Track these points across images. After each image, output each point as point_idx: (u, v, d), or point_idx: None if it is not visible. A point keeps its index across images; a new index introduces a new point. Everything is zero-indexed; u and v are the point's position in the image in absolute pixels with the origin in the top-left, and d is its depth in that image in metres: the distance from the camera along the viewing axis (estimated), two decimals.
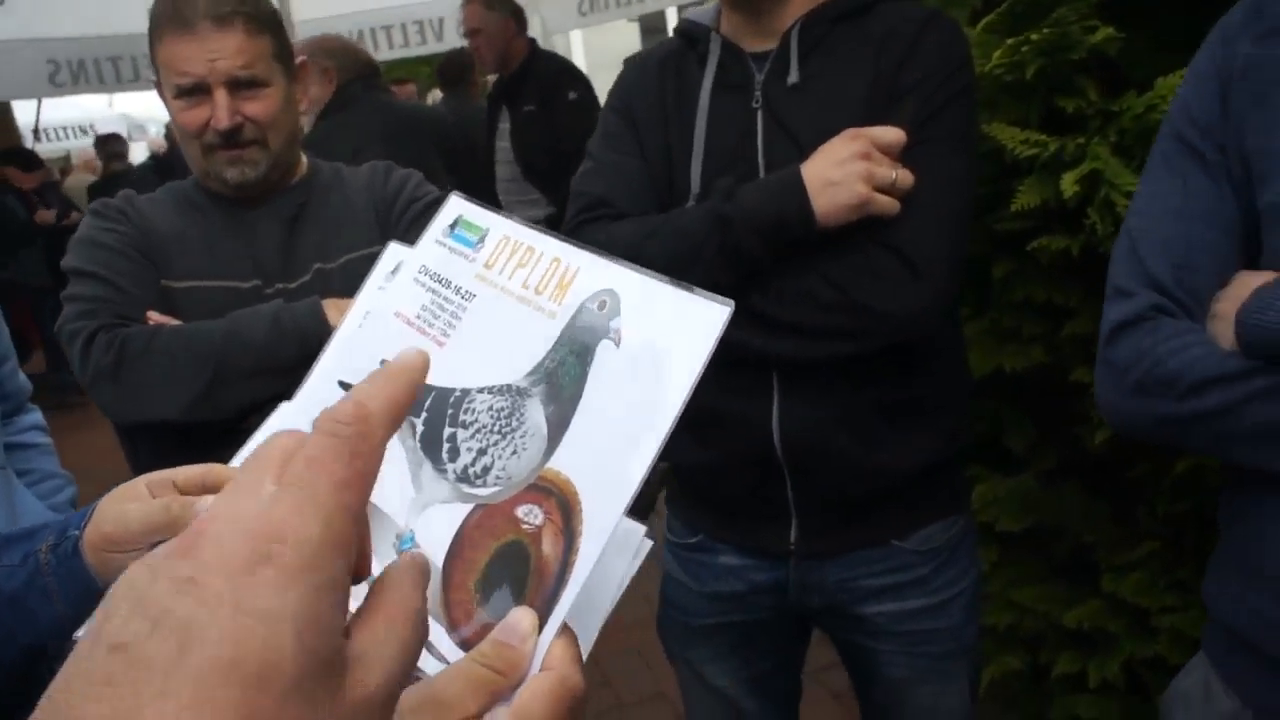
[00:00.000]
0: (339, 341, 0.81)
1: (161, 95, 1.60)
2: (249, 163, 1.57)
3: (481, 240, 0.71)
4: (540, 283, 0.65)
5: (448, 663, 0.57)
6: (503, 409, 0.63)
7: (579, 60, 9.76)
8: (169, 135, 9.14)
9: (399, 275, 0.76)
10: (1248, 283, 0.96)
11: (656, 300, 0.61)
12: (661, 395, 0.56)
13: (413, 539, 0.63)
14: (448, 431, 0.65)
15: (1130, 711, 1.95)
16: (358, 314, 0.81)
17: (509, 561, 0.58)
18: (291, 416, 0.81)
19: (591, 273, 0.63)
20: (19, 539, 0.87)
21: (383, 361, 0.71)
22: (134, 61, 5.29)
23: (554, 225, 4.14)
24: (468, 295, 0.69)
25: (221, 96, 1.52)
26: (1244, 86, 0.98)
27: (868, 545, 1.48)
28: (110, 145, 8.52)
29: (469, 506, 0.62)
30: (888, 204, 1.26)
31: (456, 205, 0.75)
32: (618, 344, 0.59)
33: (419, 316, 0.71)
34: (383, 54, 6.73)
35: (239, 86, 1.53)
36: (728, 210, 1.31)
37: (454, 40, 6.67)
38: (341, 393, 0.72)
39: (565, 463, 0.57)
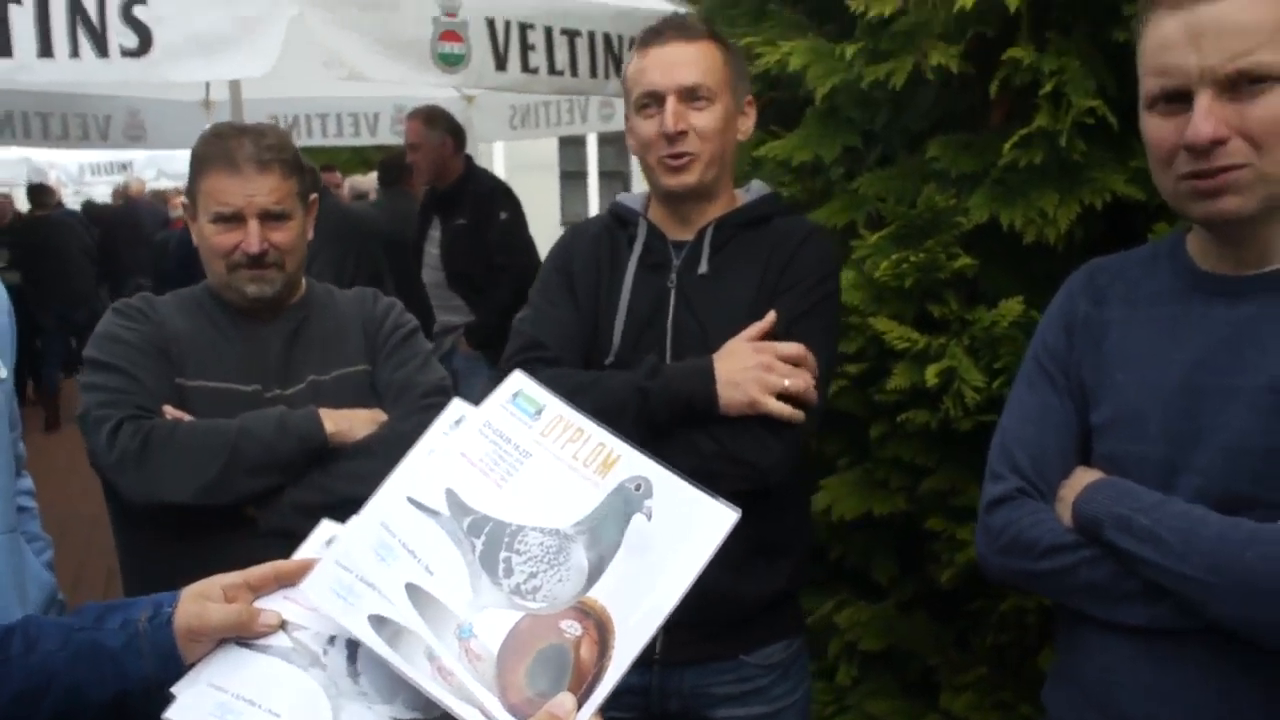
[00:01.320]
0: (406, 468, 1.01)
1: (190, 215, 1.87)
2: (268, 281, 1.82)
3: (539, 413, 1.00)
4: (587, 458, 0.95)
5: None
6: (551, 546, 0.93)
7: (499, 161, 10.18)
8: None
9: (463, 426, 1.03)
10: (1081, 478, 1.31)
11: (681, 494, 0.92)
12: (677, 566, 0.88)
13: (471, 630, 0.91)
14: (503, 555, 0.93)
15: None
16: (424, 449, 1.02)
17: (551, 657, 0.88)
18: (357, 523, 1.00)
19: (630, 460, 0.95)
20: (119, 608, 1.11)
21: (448, 490, 0.98)
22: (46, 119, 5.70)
23: (473, 333, 4.45)
24: (525, 453, 0.98)
25: (254, 225, 1.78)
26: (1083, 334, 1.36)
27: (719, 658, 1.75)
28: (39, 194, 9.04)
29: (519, 613, 0.91)
30: (777, 408, 1.58)
31: (518, 380, 1.03)
32: (649, 518, 0.91)
33: (482, 460, 0.99)
34: (316, 140, 6.99)
35: (268, 218, 1.79)
36: (648, 385, 1.62)
37: (386, 135, 7.00)
38: (411, 507, 0.97)
39: (603, 595, 0.88)
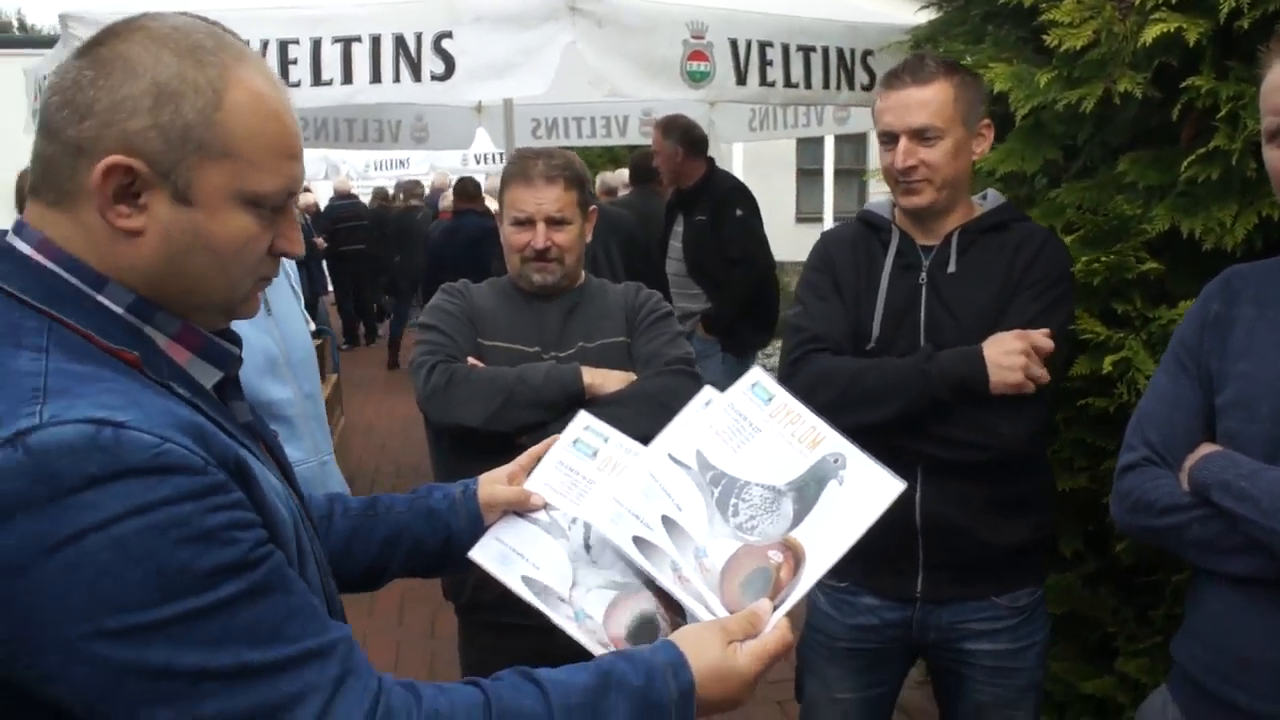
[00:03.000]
0: (668, 433, 1.36)
1: (499, 219, 2.37)
2: (550, 272, 2.27)
3: (770, 400, 1.33)
4: (801, 436, 1.29)
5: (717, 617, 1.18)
6: (768, 497, 1.25)
7: (739, 160, 10.58)
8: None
9: (711, 406, 1.36)
10: (1203, 450, 1.53)
11: (866, 468, 1.25)
12: (856, 519, 1.21)
13: (705, 551, 1.24)
14: (733, 501, 1.27)
15: None
16: (681, 420, 1.38)
17: (758, 576, 1.20)
18: (632, 471, 1.34)
19: (832, 440, 1.28)
20: (441, 487, 1.49)
21: (698, 451, 1.29)
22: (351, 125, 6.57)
23: (710, 319, 4.87)
24: (756, 429, 1.31)
25: (541, 228, 2.23)
26: (1214, 330, 1.58)
27: (973, 599, 2.04)
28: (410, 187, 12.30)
29: (739, 543, 1.23)
30: (1030, 390, 1.86)
31: (757, 374, 1.37)
32: (840, 484, 1.25)
33: (724, 431, 1.31)
34: (572, 140, 7.62)
35: (552, 222, 2.24)
36: (928, 367, 1.91)
37: (634, 136, 7.54)
38: (670, 462, 1.31)
39: (801, 536, 1.21)
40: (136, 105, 0.92)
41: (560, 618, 1.29)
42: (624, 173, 7.61)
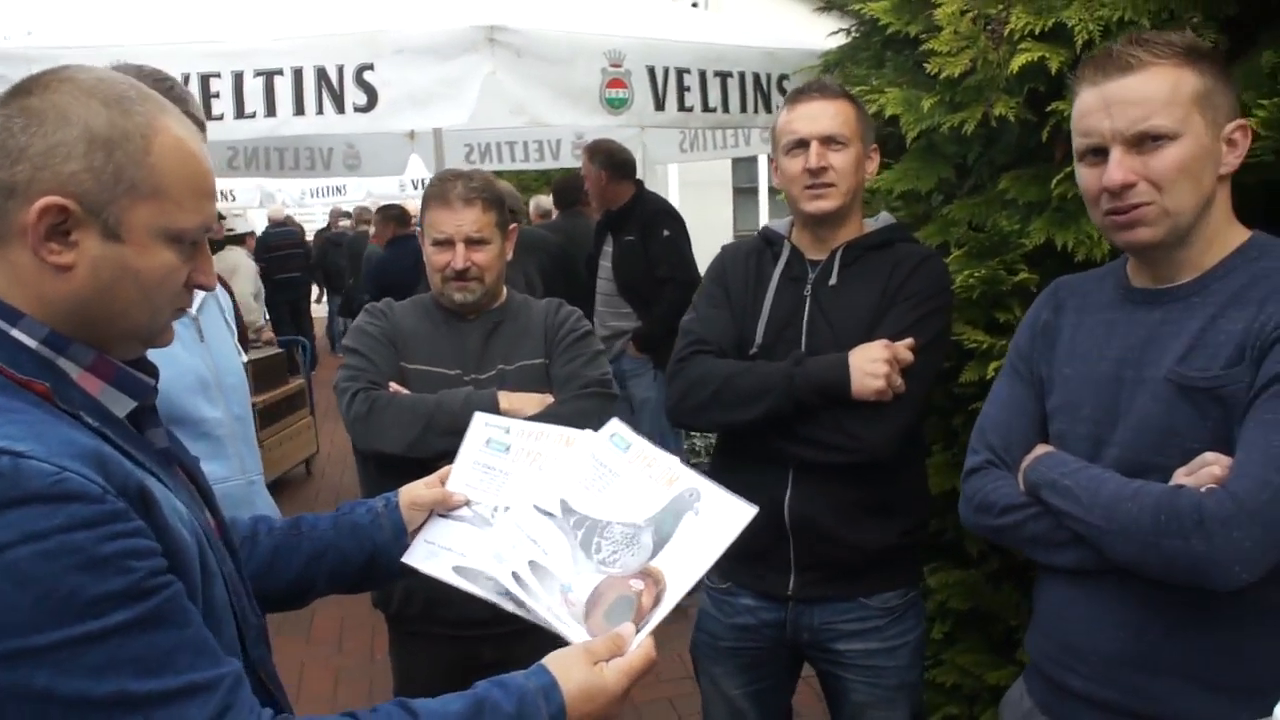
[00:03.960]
0: (531, 485, 1.48)
1: (421, 242, 2.44)
2: (470, 291, 2.35)
3: (628, 447, 1.46)
4: (658, 476, 1.40)
5: None
6: (628, 533, 1.36)
7: (674, 181, 10.73)
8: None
9: (574, 447, 1.50)
10: (1036, 452, 1.63)
11: (719, 498, 1.36)
12: (712, 543, 1.32)
13: (571, 588, 1.33)
14: (595, 540, 1.37)
15: None
16: (560, 442, 1.55)
17: (621, 604, 1.29)
18: (501, 524, 1.46)
19: (686, 478, 1.39)
20: (363, 503, 1.57)
21: (561, 500, 1.40)
22: (282, 153, 6.60)
23: (640, 337, 4.98)
24: (615, 474, 1.43)
25: (460, 248, 2.30)
26: (1043, 337, 1.70)
27: (843, 599, 2.15)
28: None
29: (602, 575, 1.33)
30: (889, 398, 1.98)
31: (615, 425, 1.49)
32: (696, 514, 1.36)
33: (585, 476, 1.43)
34: (505, 164, 7.71)
35: (471, 243, 2.32)
36: (795, 371, 2.03)
37: (567, 159, 7.65)
38: (536, 512, 1.41)
39: (661, 564, 1.31)
40: (71, 150, 1.00)
41: (493, 596, 1.38)
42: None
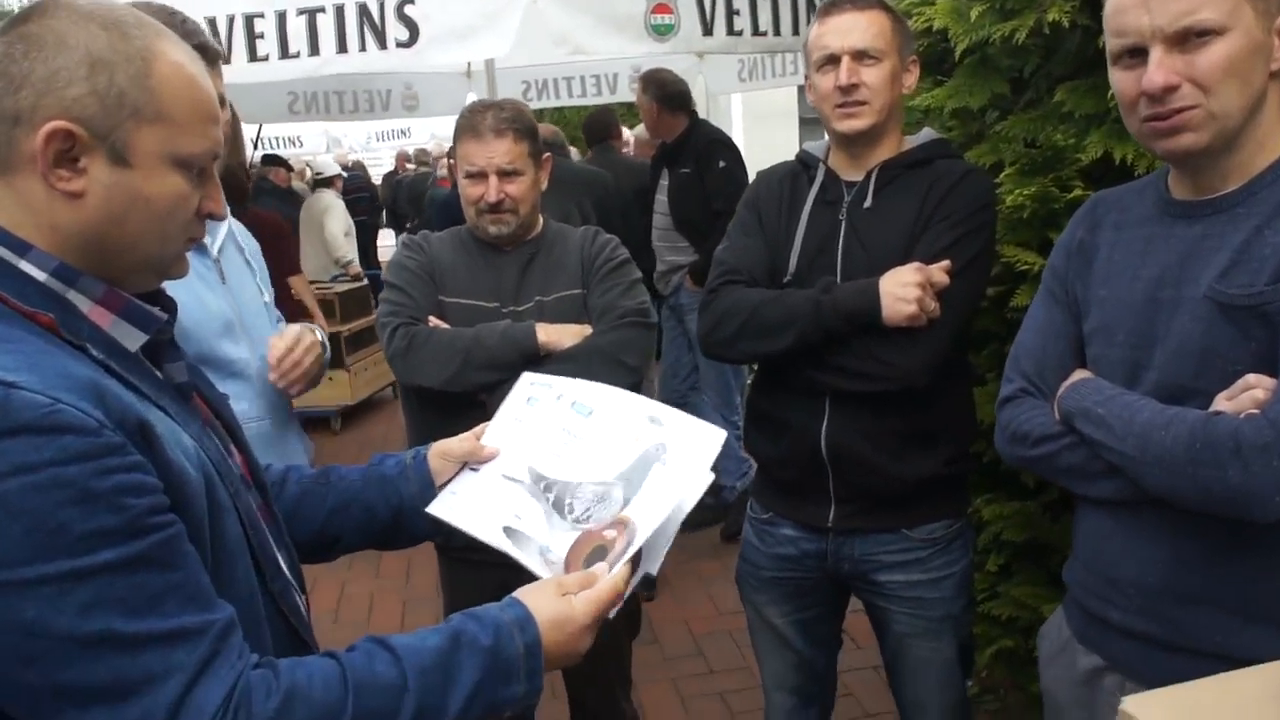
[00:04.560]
0: (503, 455, 1.48)
1: (452, 174, 2.42)
2: (505, 223, 2.33)
3: (590, 413, 1.46)
4: (622, 435, 1.40)
5: None
6: (599, 491, 1.36)
7: (737, 113, 10.52)
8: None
9: (535, 404, 1.51)
10: (1072, 378, 1.56)
11: (685, 439, 1.36)
12: (687, 479, 1.31)
13: (549, 549, 1.33)
14: (568, 501, 1.38)
15: None
16: (521, 399, 1.55)
17: (597, 554, 1.28)
18: (477, 490, 1.46)
19: (650, 433, 1.39)
20: (392, 455, 1.56)
21: (530, 467, 1.42)
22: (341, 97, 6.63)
23: (696, 271, 4.92)
24: (579, 438, 1.43)
25: (493, 180, 2.27)
26: (1078, 256, 1.61)
27: (884, 531, 2.10)
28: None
29: (578, 532, 1.33)
30: (923, 323, 1.91)
31: (577, 392, 1.50)
32: (664, 465, 1.34)
33: (556, 443, 1.45)
34: (563, 100, 7.66)
35: (504, 174, 2.29)
36: (824, 299, 1.97)
37: (625, 93, 7.54)
38: (506, 480, 1.43)
39: (630, 513, 1.30)
40: (72, 74, 0.98)
41: (514, 550, 1.37)
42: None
